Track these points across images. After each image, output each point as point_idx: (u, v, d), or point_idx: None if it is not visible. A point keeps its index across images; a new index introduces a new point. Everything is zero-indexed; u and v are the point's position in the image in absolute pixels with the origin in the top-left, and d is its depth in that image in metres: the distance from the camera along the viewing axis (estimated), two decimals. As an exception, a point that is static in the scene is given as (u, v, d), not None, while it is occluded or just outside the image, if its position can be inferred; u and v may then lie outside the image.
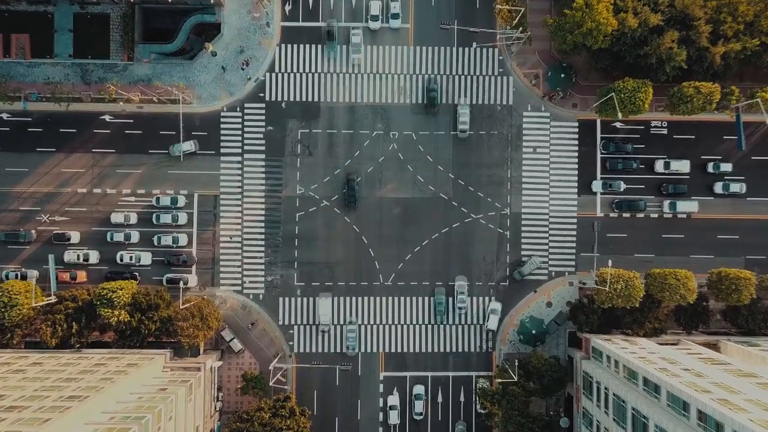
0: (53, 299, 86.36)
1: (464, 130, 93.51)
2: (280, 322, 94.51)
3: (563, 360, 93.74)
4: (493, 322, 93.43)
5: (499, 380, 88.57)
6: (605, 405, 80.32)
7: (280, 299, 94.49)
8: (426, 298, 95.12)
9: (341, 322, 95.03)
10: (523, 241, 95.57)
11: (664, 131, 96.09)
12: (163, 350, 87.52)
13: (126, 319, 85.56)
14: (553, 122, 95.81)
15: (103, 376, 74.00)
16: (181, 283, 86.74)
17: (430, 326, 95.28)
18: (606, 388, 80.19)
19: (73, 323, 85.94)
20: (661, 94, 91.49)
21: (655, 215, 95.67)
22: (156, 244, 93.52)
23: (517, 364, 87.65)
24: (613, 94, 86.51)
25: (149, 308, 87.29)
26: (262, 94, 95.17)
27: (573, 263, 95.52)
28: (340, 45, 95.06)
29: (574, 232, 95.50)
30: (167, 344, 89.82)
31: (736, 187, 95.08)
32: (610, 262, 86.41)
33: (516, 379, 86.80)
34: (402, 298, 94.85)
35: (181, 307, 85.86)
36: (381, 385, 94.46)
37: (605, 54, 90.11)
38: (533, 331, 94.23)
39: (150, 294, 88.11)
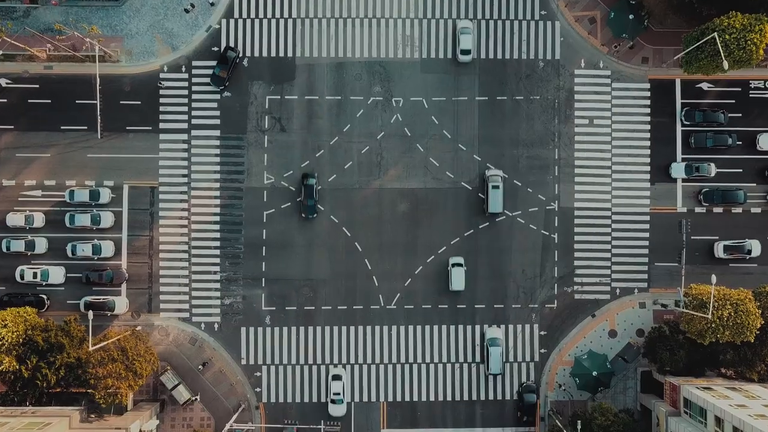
0: None
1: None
2: (243, 362, 71.51)
3: (635, 411, 68.93)
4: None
5: (553, 450, 62.82)
6: (719, 493, 54.45)
7: (243, 330, 71.60)
8: (444, 327, 71.10)
9: (326, 361, 70.86)
10: (576, 246, 72.31)
11: (768, 94, 73.16)
12: (70, 409, 62.51)
13: (14, 368, 60.33)
14: (615, 83, 72.96)
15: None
16: (90, 313, 60.84)
17: (449, 365, 71.01)
18: (721, 469, 54.35)
19: (-63, 374, 60.76)
20: (766, 42, 67.44)
21: (758, 209, 72.57)
22: (70, 255, 70.83)
23: (579, 426, 61.68)
24: (715, 34, 60.94)
25: (50, 349, 62.39)
26: (216, 48, 72.35)
27: (645, 277, 72.14)
28: None
29: (647, 234, 72.42)
30: (81, 396, 65.79)
31: None
32: (714, 278, 61.14)
33: (577, 449, 61.04)
34: (410, 327, 71.73)
35: (91, 348, 60.10)
36: (383, 448, 71.82)
37: (696, -18, 65.13)
38: (594, 373, 68.52)
39: (51, 329, 63.09)
